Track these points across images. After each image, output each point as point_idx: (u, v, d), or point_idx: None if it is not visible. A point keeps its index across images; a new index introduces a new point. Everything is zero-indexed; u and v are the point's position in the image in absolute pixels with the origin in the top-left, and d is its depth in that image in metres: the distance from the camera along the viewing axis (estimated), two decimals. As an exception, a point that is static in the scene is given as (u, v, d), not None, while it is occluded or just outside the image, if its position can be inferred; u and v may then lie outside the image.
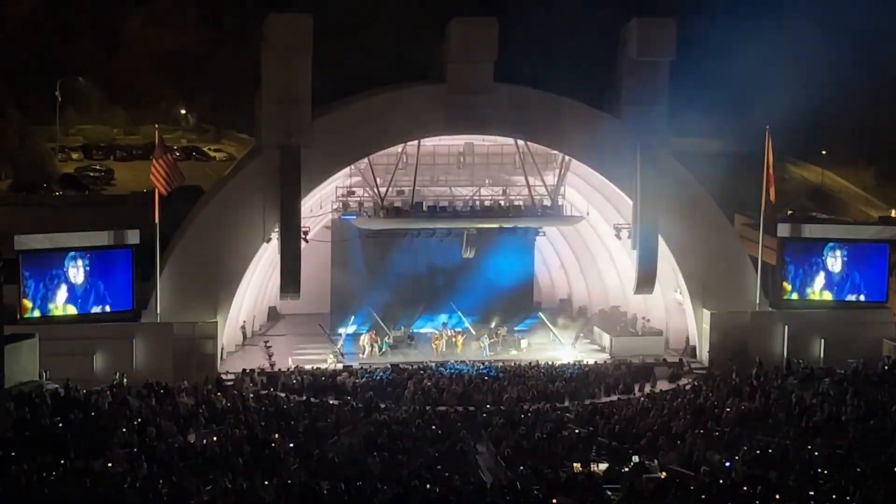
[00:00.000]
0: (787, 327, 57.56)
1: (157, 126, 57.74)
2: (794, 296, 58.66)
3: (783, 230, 58.79)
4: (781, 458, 38.08)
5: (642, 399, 50.92)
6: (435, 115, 56.11)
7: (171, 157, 54.91)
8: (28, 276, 52.17)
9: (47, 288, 52.75)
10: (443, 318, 61.93)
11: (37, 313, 52.52)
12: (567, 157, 58.54)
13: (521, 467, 37.91)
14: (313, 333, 61.63)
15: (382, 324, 60.93)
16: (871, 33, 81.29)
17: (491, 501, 32.70)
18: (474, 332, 60.66)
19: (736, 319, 57.48)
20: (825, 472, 35.81)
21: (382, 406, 48.45)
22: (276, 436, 41.36)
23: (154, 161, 53.79)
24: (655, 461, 39.33)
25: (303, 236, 55.36)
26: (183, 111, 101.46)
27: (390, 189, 58.19)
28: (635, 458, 39.54)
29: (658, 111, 56.97)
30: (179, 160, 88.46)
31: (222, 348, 56.24)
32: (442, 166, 59.95)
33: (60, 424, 41.67)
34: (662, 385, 54.13)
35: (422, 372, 53.87)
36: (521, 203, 59.58)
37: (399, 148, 57.46)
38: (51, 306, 52.92)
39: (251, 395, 49.58)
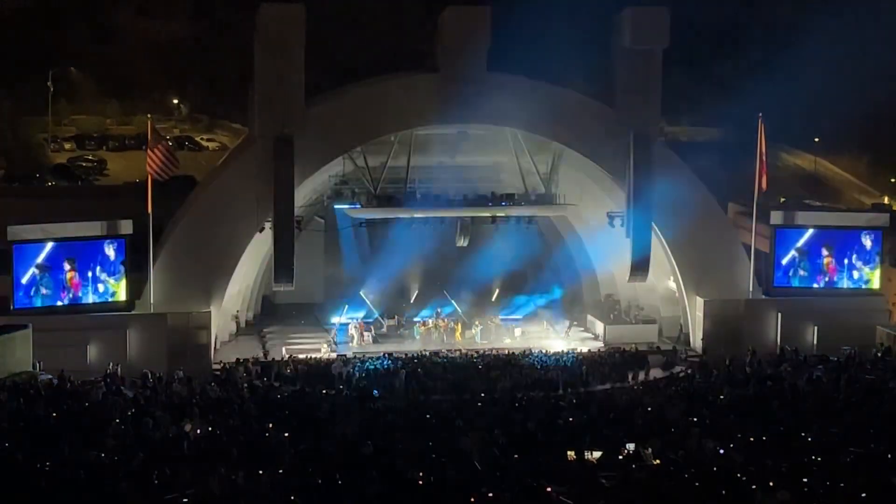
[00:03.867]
0: (780, 315, 57.66)
1: (149, 116, 57.57)
2: (787, 283, 58.76)
3: (776, 218, 58.87)
4: (775, 446, 38.09)
5: (636, 387, 51.01)
6: (428, 104, 56.10)
7: (165, 144, 54.73)
8: (20, 266, 52.12)
9: (40, 278, 52.71)
10: (436, 307, 61.94)
11: (30, 303, 52.51)
12: (560, 146, 58.55)
13: (515, 456, 37.88)
14: (307, 323, 61.68)
15: (376, 312, 61.03)
16: (863, 20, 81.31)
17: (485, 490, 32.68)
18: (467, 321, 60.72)
19: (729, 307, 57.60)
20: (819, 458, 35.83)
21: (376, 395, 48.49)
22: (270, 425, 41.35)
23: (149, 151, 53.75)
24: (649, 449, 39.32)
25: (296, 226, 55.37)
26: (175, 101, 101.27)
27: (383, 178, 58.18)
28: (629, 446, 39.52)
29: (651, 99, 57.00)
30: (172, 149, 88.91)
31: (216, 338, 56.26)
32: (435, 155, 59.96)
33: (54, 415, 41.62)
34: (656, 373, 54.20)
35: (415, 361, 53.94)
36: (514, 191, 59.58)
37: (392, 137, 57.43)
38: (44, 297, 52.86)
39: (245, 385, 49.61)
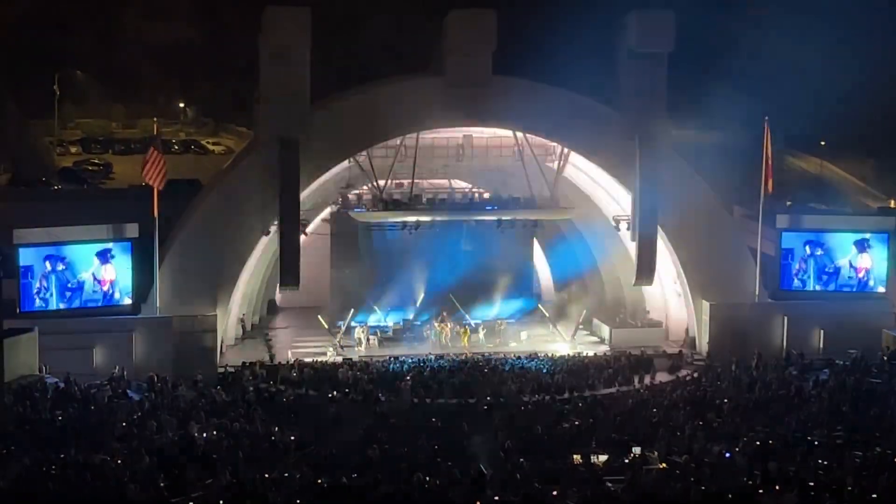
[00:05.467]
0: (786, 318, 57.56)
1: (155, 120, 57.67)
2: (793, 286, 58.68)
3: (782, 221, 58.81)
4: (781, 449, 38.10)
5: (642, 391, 50.97)
6: (433, 108, 56.08)
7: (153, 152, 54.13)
8: (26, 269, 52.15)
9: (46, 282, 52.75)
10: (442, 310, 61.85)
11: (36, 307, 52.53)
12: (565, 149, 58.57)
13: (521, 459, 37.90)
14: (313, 326, 61.67)
15: (381, 316, 61.00)
16: (869, 23, 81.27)
17: (491, 494, 32.70)
18: (473, 324, 60.66)
19: (735, 310, 57.45)
20: (825, 462, 35.83)
21: (382, 398, 48.49)
22: (276, 429, 41.39)
23: (153, 155, 53.69)
24: (655, 452, 39.33)
25: (302, 229, 55.38)
26: (181, 105, 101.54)
27: (389, 182, 58.18)
28: (635, 450, 39.53)
29: (656, 102, 56.94)
30: (178, 153, 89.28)
31: (222, 342, 56.27)
32: (441, 158, 59.97)
33: (60, 418, 41.69)
34: (662, 376, 54.17)
35: (421, 364, 53.93)
36: (519, 195, 59.56)
37: (398, 140, 57.45)
38: (50, 300, 52.89)
39: (251, 389, 49.63)
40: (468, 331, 59.94)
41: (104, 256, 53.67)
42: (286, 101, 54.27)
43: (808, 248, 58.53)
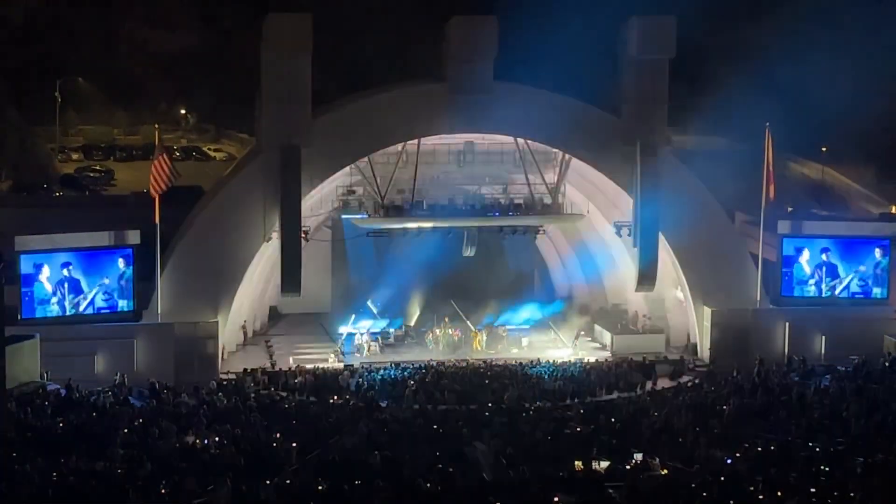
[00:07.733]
0: (788, 324, 57.56)
1: (156, 126, 57.80)
2: (795, 292, 58.64)
3: (784, 227, 58.80)
4: (783, 455, 38.03)
5: (644, 397, 50.92)
6: (435, 114, 56.13)
7: (164, 157, 54.38)
8: (28, 276, 52.17)
9: (48, 289, 52.75)
10: (444, 316, 61.85)
11: (38, 314, 52.52)
12: (567, 156, 58.59)
13: (522, 466, 37.86)
14: (314, 332, 61.69)
15: (383, 322, 60.98)
16: (870, 29, 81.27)
17: (492, 500, 32.67)
18: (474, 331, 60.63)
19: (737, 316, 57.46)
20: (827, 468, 35.77)
21: (383, 405, 48.47)
22: (278, 435, 41.36)
23: (153, 162, 53.91)
24: (657, 459, 39.27)
25: (303, 235, 55.40)
26: (183, 111, 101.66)
27: (390, 188, 58.20)
28: (637, 456, 39.48)
29: (658, 108, 56.99)
30: (179, 160, 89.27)
31: (223, 348, 56.26)
32: (442, 165, 60.02)
33: (61, 425, 41.66)
34: (664, 383, 54.18)
35: (422, 370, 53.91)
36: (521, 201, 59.57)
37: (399, 147, 57.47)
38: (52, 307, 52.91)
39: (252, 395, 49.61)
40: (479, 335, 59.86)
41: (119, 260, 53.86)
42: (288, 108, 54.35)
43: (809, 253, 58.50)
